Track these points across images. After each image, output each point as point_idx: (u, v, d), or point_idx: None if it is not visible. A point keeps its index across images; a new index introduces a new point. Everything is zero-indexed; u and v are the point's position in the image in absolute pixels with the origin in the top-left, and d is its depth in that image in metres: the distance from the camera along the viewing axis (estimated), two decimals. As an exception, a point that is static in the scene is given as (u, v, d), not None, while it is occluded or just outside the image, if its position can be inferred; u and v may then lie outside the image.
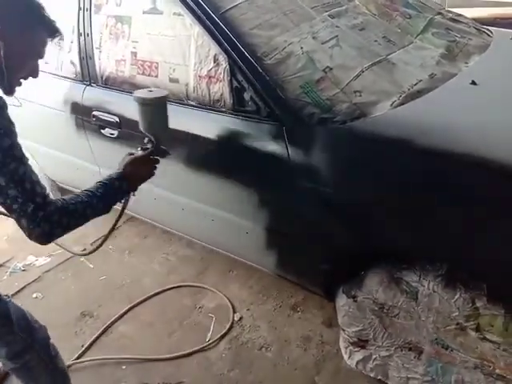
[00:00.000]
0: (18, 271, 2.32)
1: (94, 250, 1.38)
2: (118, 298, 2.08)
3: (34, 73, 1.12)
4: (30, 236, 0.99)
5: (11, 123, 0.97)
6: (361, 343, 1.47)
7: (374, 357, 1.46)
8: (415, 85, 1.44)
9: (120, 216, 1.34)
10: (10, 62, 1.03)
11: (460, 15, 2.10)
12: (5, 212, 1.12)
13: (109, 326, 1.92)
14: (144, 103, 1.29)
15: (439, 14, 1.97)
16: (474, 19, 2.16)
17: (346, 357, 1.55)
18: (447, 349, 1.26)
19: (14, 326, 1.23)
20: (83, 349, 1.81)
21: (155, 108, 1.31)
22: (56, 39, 1.13)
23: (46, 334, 1.35)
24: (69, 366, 1.62)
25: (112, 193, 1.15)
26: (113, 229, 1.36)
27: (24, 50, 1.06)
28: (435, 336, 1.26)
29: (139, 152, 1.29)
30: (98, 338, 1.87)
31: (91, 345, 1.84)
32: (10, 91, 1.10)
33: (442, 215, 1.11)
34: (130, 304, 2.02)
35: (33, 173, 0.99)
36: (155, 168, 1.29)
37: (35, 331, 1.30)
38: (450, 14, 2.02)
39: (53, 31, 1.11)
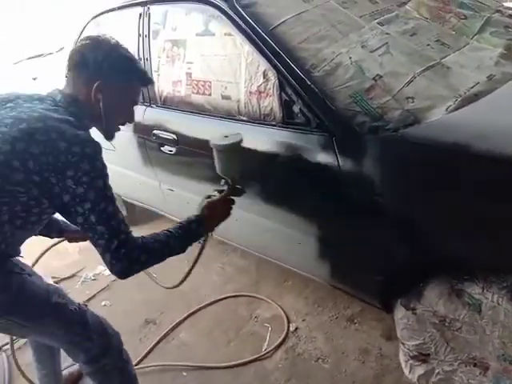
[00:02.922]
0: (88, 280, 2.51)
1: (179, 285, 1.48)
2: (179, 306, 2.17)
3: (130, 119, 1.23)
4: (111, 270, 1.07)
5: (104, 166, 1.07)
6: (422, 357, 1.41)
7: (436, 371, 1.39)
8: (472, 88, 1.38)
9: (199, 254, 1.41)
10: (109, 111, 1.15)
11: (521, 11, 1.98)
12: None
13: (169, 333, 2.01)
14: (220, 149, 1.35)
15: (497, 11, 1.87)
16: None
17: (406, 371, 1.49)
18: (517, 366, 1.18)
19: (91, 332, 1.32)
20: (144, 354, 1.90)
21: (231, 153, 1.35)
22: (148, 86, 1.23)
23: (120, 339, 1.42)
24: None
25: (189, 235, 1.23)
26: (193, 266, 1.42)
27: (121, 100, 1.17)
28: (502, 352, 1.18)
29: (216, 195, 1.35)
30: (157, 344, 1.96)
31: (150, 351, 1.93)
32: (109, 136, 1.23)
33: (504, 224, 1.05)
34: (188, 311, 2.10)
35: (119, 211, 1.08)
36: (231, 208, 1.35)
37: (111, 337, 1.37)
38: (510, 11, 1.91)
39: (146, 82, 1.23)
